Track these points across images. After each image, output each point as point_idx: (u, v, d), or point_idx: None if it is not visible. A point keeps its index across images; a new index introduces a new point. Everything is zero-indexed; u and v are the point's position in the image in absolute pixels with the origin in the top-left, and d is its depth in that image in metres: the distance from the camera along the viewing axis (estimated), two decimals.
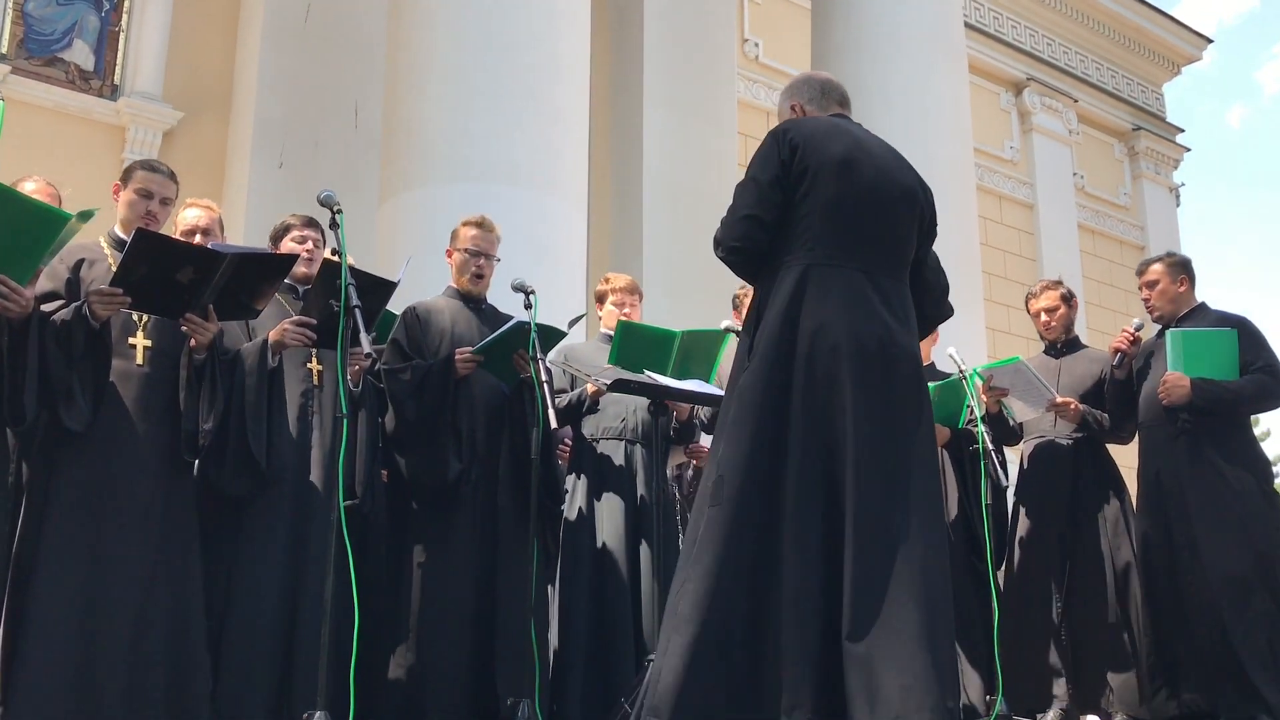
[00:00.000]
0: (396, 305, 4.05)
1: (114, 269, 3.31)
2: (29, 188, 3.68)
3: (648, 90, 9.21)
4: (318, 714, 2.86)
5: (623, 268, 8.19)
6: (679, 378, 4.14)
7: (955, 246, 8.11)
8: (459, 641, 3.83)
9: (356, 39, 8.29)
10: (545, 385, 3.74)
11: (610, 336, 4.65)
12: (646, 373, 3.91)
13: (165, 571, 3.33)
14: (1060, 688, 4.64)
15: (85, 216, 3.11)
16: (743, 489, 2.57)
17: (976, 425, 4.67)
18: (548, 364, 3.95)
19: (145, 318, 3.42)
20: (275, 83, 8.02)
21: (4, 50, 7.47)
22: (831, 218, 2.74)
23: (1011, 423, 4.93)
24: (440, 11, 6.45)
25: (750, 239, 2.78)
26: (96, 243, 3.52)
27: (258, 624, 3.45)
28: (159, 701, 3.24)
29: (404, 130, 6.60)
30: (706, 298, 7.92)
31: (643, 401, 4.44)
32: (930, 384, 4.77)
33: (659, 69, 9.28)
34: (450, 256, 4.40)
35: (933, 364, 5.21)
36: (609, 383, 3.84)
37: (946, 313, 3.10)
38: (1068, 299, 5.13)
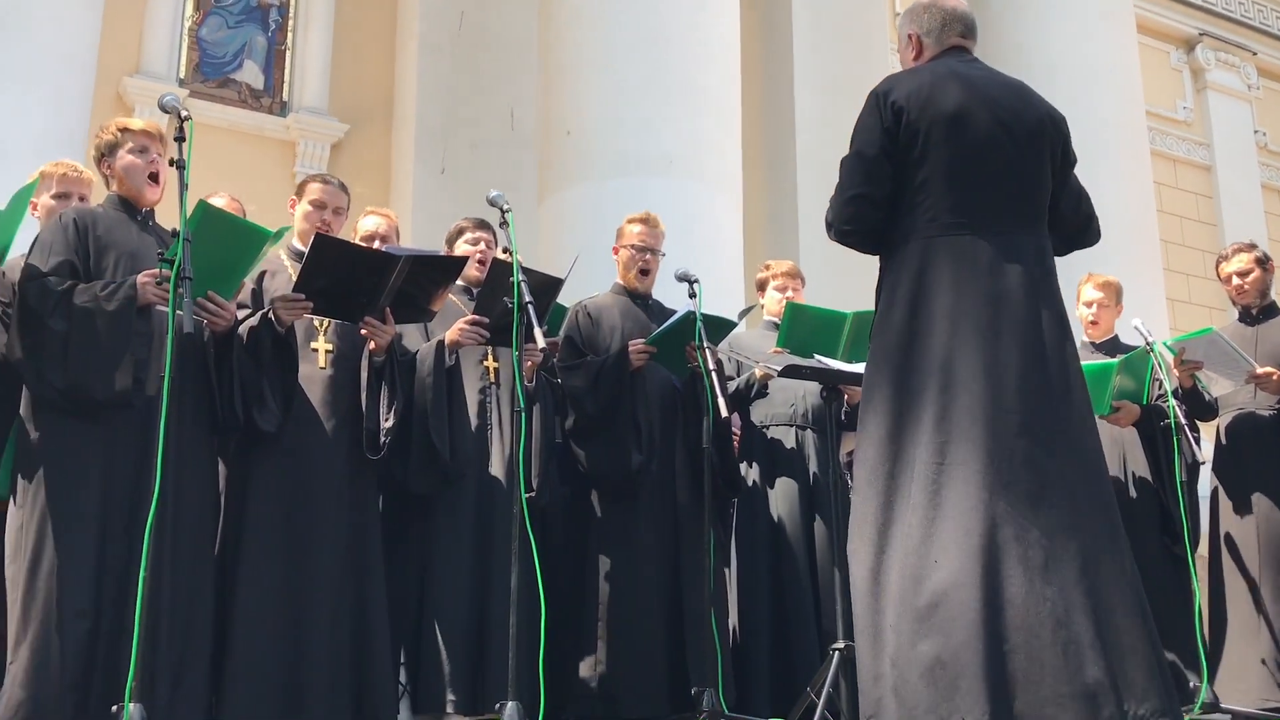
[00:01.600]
0: (562, 302, 4.09)
1: (292, 278, 3.45)
2: (218, 203, 3.85)
3: (798, 72, 9.09)
4: (510, 705, 2.90)
5: (779, 253, 8.10)
6: (850, 360, 4.05)
7: (1131, 215, 7.75)
8: (649, 632, 3.85)
9: (509, 42, 8.42)
10: (714, 374, 3.71)
11: (774, 323, 4.60)
12: (817, 357, 3.84)
13: (352, 567, 3.44)
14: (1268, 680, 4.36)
15: (278, 236, 3.26)
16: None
17: (1166, 400, 4.45)
18: (717, 354, 3.93)
19: (326, 323, 3.55)
20: (434, 90, 8.23)
21: (182, 75, 7.87)
22: (951, 180, 2.55)
23: (1208, 397, 4.67)
24: (589, 7, 6.49)
25: (861, 219, 2.62)
26: (276, 255, 3.66)
27: (450, 618, 3.54)
28: (348, 695, 3.35)
29: (559, 128, 6.67)
30: (867, 279, 7.75)
31: (812, 386, 4.38)
32: (1115, 359, 4.59)
33: (809, 50, 9.14)
34: (616, 253, 4.42)
35: (1116, 337, 4.98)
36: (779, 368, 3.79)
37: (1087, 241, 2.85)
38: (1263, 262, 4.82)
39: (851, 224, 2.64)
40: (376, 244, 3.82)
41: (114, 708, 2.54)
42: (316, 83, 8.21)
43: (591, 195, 6.35)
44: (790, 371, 3.78)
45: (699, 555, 3.90)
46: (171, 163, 2.87)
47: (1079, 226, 2.80)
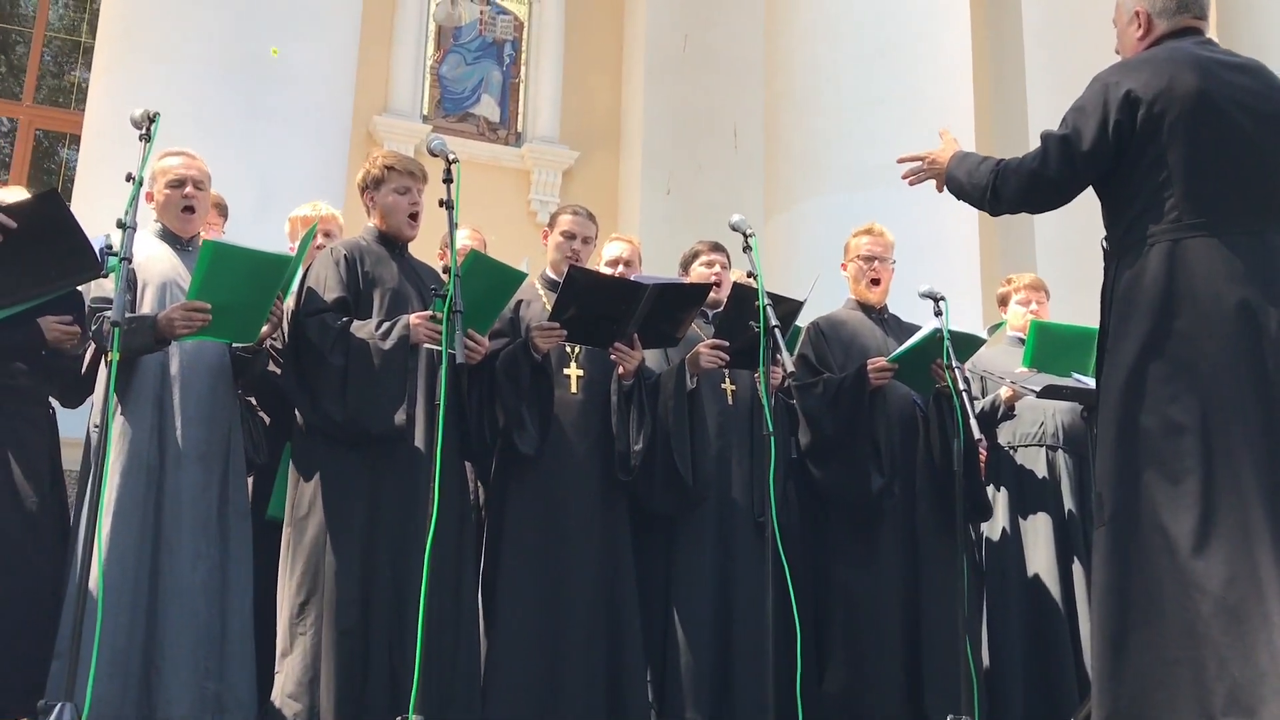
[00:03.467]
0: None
1: (546, 307, 3.60)
2: (460, 235, 4.05)
3: (1030, 72, 8.78)
4: None
5: (1013, 265, 7.83)
6: None
7: None
8: (889, 656, 3.79)
9: (732, 61, 8.50)
10: (965, 394, 3.62)
11: (1019, 339, 4.45)
12: (1075, 376, 3.69)
13: (605, 584, 3.54)
14: None
15: (524, 276, 3.47)
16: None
17: None
18: (965, 372, 3.83)
19: (577, 349, 3.67)
20: (659, 114, 8.40)
21: (425, 111, 8.32)
22: (1195, 177, 2.38)
23: None
24: (817, 23, 6.48)
25: (1037, 204, 2.53)
26: (531, 284, 3.81)
27: (694, 637, 3.59)
28: (602, 707, 3.45)
29: (786, 145, 6.68)
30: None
31: (1062, 405, 4.22)
32: None
33: (1041, 48, 8.83)
34: (845, 269, 4.38)
35: None
36: (1038, 388, 3.66)
37: None
38: None
39: (1025, 205, 2.54)
40: (620, 269, 3.94)
41: (397, 719, 2.69)
42: (548, 113, 8.52)
43: (821, 210, 6.32)
44: (1050, 392, 3.65)
45: (942, 579, 3.82)
46: (441, 203, 3.04)
47: None
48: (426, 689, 2.69)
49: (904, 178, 2.84)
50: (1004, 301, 4.77)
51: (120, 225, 2.74)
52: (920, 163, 2.83)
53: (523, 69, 8.69)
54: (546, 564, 3.47)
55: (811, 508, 4.03)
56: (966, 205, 6.36)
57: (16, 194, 3.59)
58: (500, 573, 3.46)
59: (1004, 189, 2.56)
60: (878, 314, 4.27)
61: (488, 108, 8.52)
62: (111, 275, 2.82)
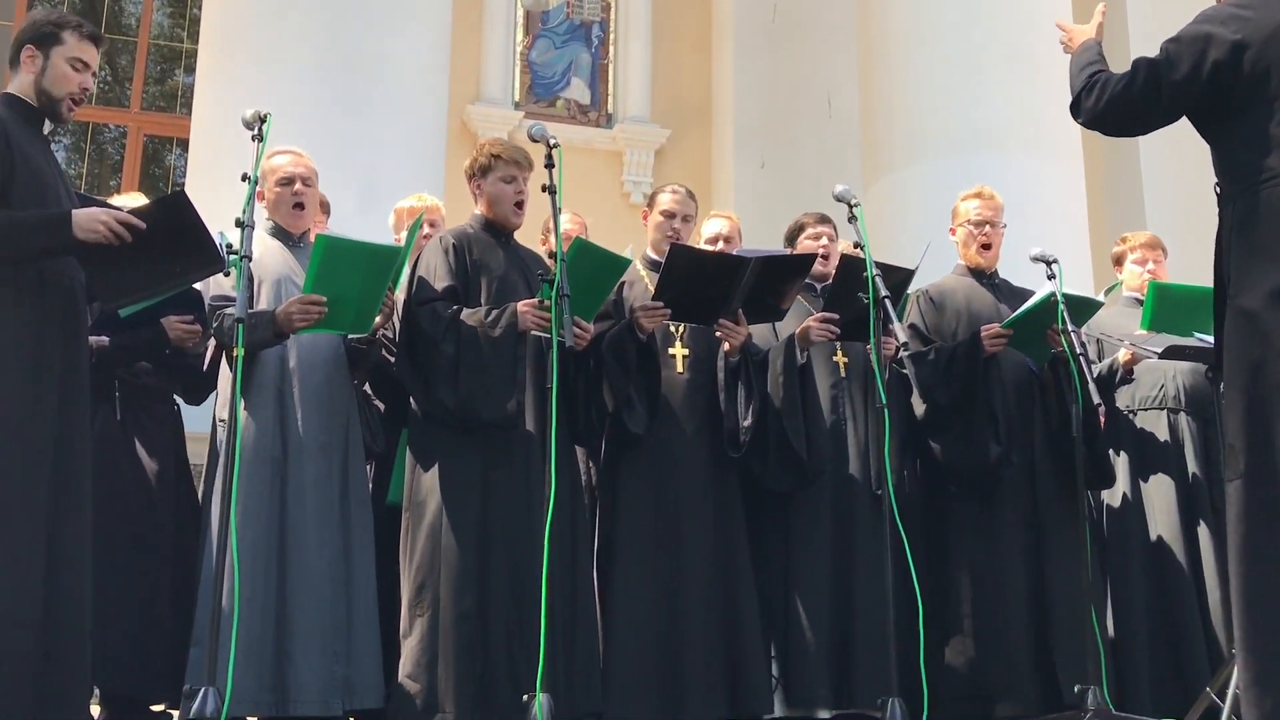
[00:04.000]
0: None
1: (648, 288, 3.59)
2: (561, 220, 4.07)
3: (1132, 22, 8.49)
4: (892, 701, 2.89)
5: (1123, 225, 7.58)
6: None
7: None
8: (1016, 628, 3.72)
9: (823, 29, 8.38)
10: (1082, 359, 3.53)
11: (1135, 299, 4.31)
12: (1197, 335, 3.57)
13: (720, 564, 3.53)
14: None
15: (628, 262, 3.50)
16: None
17: None
18: (1081, 337, 3.73)
19: (682, 327, 3.66)
20: (750, 87, 8.33)
21: (516, 98, 8.38)
22: None
23: None
24: None
25: (1116, 127, 2.54)
26: (632, 266, 3.81)
27: (815, 613, 3.57)
28: (723, 688, 3.45)
29: (883, 111, 6.57)
30: None
31: (1182, 366, 4.08)
32: None
33: (1145, 4, 8.52)
34: (953, 234, 4.29)
35: None
36: (1159, 350, 3.55)
37: None
38: None
39: (1102, 122, 2.55)
40: (720, 245, 3.91)
41: (524, 697, 2.73)
42: (638, 92, 8.51)
43: (922, 176, 6.21)
44: (1172, 353, 3.53)
45: (1066, 549, 3.73)
46: (543, 188, 3.06)
47: None
48: (550, 669, 2.72)
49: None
50: (1119, 261, 4.62)
51: (239, 224, 2.81)
52: (1066, 36, 2.81)
53: (611, 49, 8.69)
54: (660, 545, 3.47)
55: (929, 479, 3.97)
56: (1072, 165, 6.20)
57: (135, 200, 3.71)
58: (615, 554, 3.48)
59: (1087, 99, 2.57)
60: (988, 279, 4.18)
61: (578, 90, 8.55)
62: (231, 273, 2.90)
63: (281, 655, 3.10)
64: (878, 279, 3.23)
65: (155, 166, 8.63)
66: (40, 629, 2.65)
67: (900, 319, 4.04)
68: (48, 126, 2.98)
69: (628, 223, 7.78)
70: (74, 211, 2.75)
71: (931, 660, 3.70)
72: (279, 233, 3.45)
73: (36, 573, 2.66)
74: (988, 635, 3.75)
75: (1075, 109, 2.60)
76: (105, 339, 3.26)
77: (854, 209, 3.37)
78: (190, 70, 8.33)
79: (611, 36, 8.71)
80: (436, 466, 3.31)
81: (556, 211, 3.05)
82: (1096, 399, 3.52)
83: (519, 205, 3.50)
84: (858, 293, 3.39)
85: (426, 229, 3.83)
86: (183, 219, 2.80)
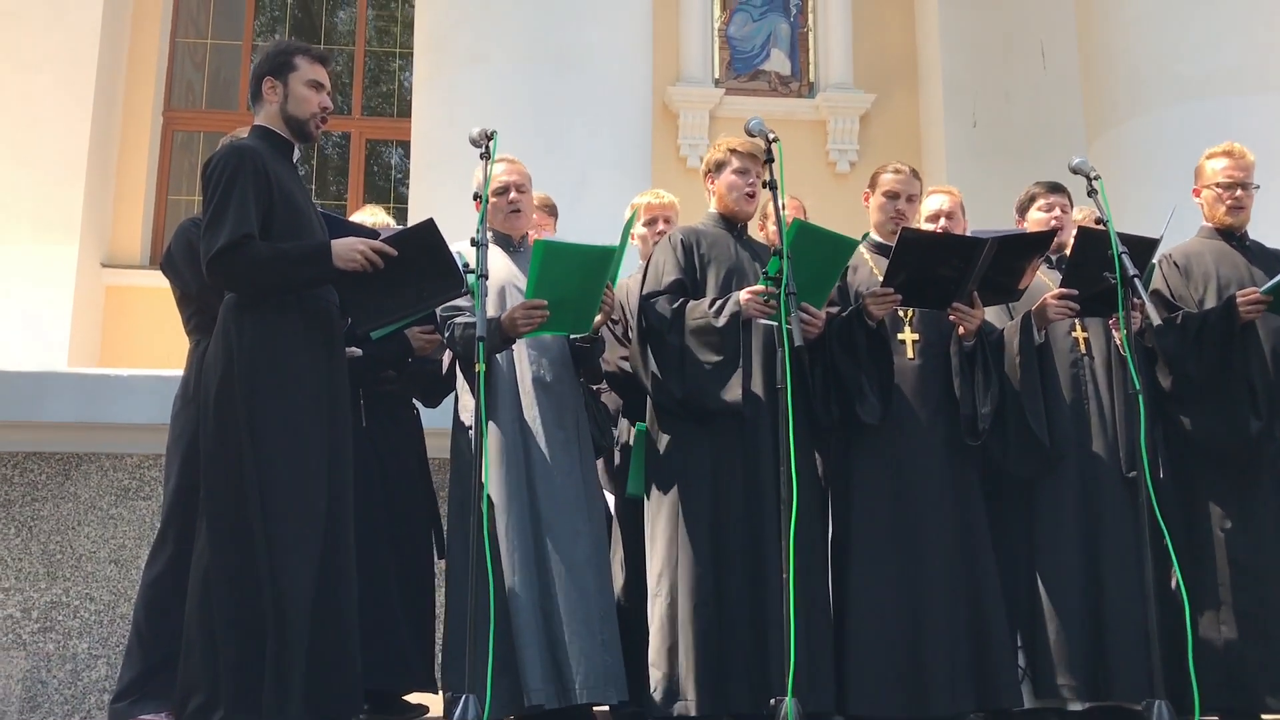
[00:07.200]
0: None
1: (874, 272, 3.52)
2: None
3: None
4: (1159, 704, 2.75)
5: None
6: None
7: None
8: None
9: None
10: None
11: None
12: None
13: (962, 552, 3.43)
14: None
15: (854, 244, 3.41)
16: None
17: None
18: None
19: (911, 313, 3.56)
20: (957, 43, 8.02)
21: (716, 75, 8.34)
22: None
23: None
24: None
25: None
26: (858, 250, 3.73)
27: (1062, 602, 3.42)
28: (968, 680, 3.35)
29: (1105, 60, 6.20)
30: None
31: None
32: None
33: None
34: (1198, 194, 4.01)
35: None
36: None
37: None
38: None
39: None
40: (942, 223, 3.78)
41: (772, 701, 2.73)
42: (840, 58, 8.33)
43: (1151, 126, 5.85)
44: None
45: None
46: (764, 184, 3.03)
47: None
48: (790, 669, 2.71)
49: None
50: None
51: (474, 243, 2.91)
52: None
53: (810, 17, 8.52)
54: (899, 536, 3.39)
55: (1179, 457, 3.74)
56: None
57: (373, 215, 3.89)
58: (851, 547, 3.43)
59: None
60: (1239, 240, 3.89)
61: (778, 62, 8.43)
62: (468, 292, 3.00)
63: (556, 646, 3.18)
64: (1124, 257, 3.04)
65: (375, 165, 9.03)
66: (319, 630, 2.84)
67: (1146, 291, 3.83)
68: (296, 154, 3.15)
69: (834, 193, 7.65)
70: (333, 243, 2.94)
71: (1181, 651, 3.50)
72: (499, 239, 3.55)
73: (317, 576, 2.86)
74: (1250, 622, 3.50)
75: None
76: (359, 351, 3.44)
77: (1094, 182, 3.19)
78: (403, 70, 8.67)
79: (810, 3, 8.54)
80: (671, 458, 3.37)
81: (779, 208, 3.01)
82: None
83: (750, 196, 3.52)
84: (1098, 267, 3.21)
85: (661, 225, 3.88)
86: (432, 245, 2.93)
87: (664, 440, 3.40)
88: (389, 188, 8.82)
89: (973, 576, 3.42)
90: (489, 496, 2.97)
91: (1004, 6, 8.02)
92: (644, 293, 3.43)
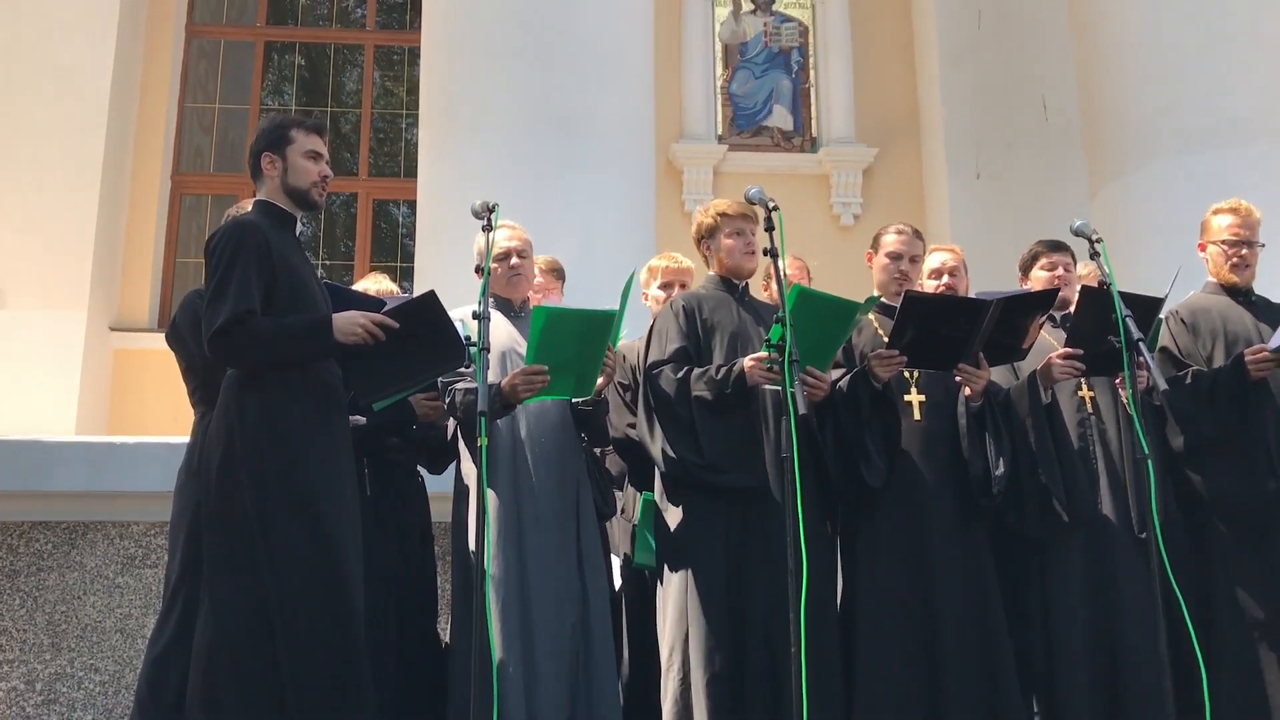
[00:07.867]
0: None
1: (879, 333, 3.51)
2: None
3: None
4: None
5: None
6: None
7: None
8: None
9: (1032, 31, 8.05)
10: None
11: None
12: None
13: (973, 617, 3.36)
14: None
15: (868, 306, 3.39)
16: None
17: None
18: None
19: (915, 374, 3.54)
20: (958, 96, 8.07)
21: (719, 131, 8.39)
22: None
23: None
24: None
25: None
26: None
27: (1080, 665, 3.38)
28: None
29: (1107, 112, 6.21)
30: None
31: None
32: None
33: None
34: (1203, 250, 4.00)
35: None
36: None
37: None
38: None
39: None
40: (945, 279, 3.77)
41: None
42: (842, 113, 8.37)
43: (1156, 178, 5.84)
44: None
45: None
46: (765, 252, 3.03)
47: None
48: None
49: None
50: None
51: (476, 316, 2.91)
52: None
53: (812, 73, 8.58)
54: (910, 602, 3.35)
55: (1191, 516, 3.70)
56: None
57: (377, 283, 3.90)
58: (860, 612, 3.38)
59: None
60: (1244, 296, 3.88)
61: (780, 118, 8.47)
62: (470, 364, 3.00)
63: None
64: (1129, 320, 3.02)
65: (383, 223, 9.07)
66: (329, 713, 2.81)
67: (1152, 350, 3.81)
68: (299, 226, 3.17)
69: (838, 246, 7.65)
70: (334, 317, 2.95)
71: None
72: (500, 304, 3.56)
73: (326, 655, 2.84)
74: (1265, 691, 3.46)
75: None
76: (363, 419, 3.43)
77: (1095, 244, 3.19)
78: (409, 129, 8.74)
79: (811, 60, 8.60)
80: (681, 531, 3.34)
81: (781, 277, 3.01)
82: None
83: (750, 253, 3.53)
84: (1102, 326, 3.20)
85: (677, 289, 3.89)
86: (432, 317, 2.93)
87: (673, 513, 3.37)
88: (396, 246, 8.87)
89: (985, 641, 3.37)
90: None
91: (1005, 59, 8.07)
92: (649, 362, 3.41)
